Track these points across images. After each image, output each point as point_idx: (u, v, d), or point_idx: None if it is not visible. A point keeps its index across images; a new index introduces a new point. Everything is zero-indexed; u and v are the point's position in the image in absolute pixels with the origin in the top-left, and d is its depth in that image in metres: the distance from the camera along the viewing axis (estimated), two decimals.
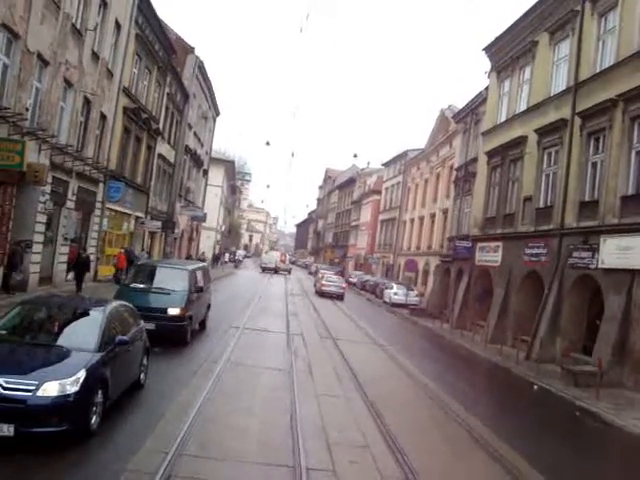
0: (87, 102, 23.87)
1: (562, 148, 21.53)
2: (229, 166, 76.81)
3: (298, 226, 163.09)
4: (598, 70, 19.97)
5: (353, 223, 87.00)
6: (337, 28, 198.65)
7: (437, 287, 36.06)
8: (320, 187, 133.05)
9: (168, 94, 37.39)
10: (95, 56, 23.87)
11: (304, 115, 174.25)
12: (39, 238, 20.65)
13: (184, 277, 16.55)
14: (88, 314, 9.39)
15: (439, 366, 18.61)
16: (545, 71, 23.81)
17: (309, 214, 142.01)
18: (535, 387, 16.61)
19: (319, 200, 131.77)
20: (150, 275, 16.86)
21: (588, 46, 20.68)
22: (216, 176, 66.91)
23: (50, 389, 7.22)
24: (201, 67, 45.64)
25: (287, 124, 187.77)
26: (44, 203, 20.52)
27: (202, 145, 53.92)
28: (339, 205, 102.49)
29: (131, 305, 11.11)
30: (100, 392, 8.05)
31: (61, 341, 8.50)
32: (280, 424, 9.32)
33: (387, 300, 40.29)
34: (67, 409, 7.27)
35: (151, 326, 13.53)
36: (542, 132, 23.01)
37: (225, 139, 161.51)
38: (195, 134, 48.75)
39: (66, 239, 23.59)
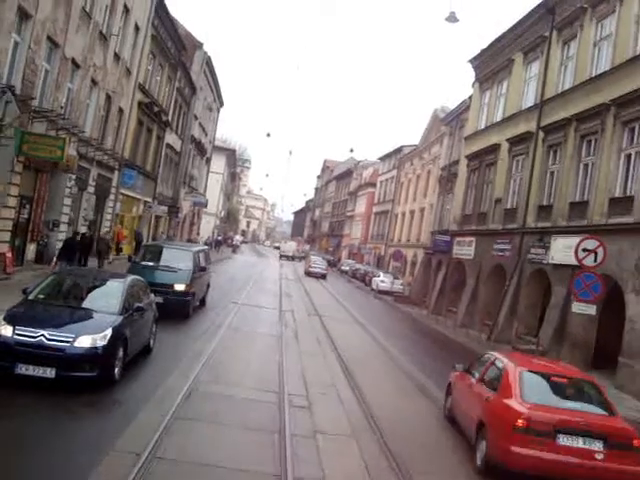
0: (108, 98, 26.70)
1: (527, 157, 24.45)
2: (230, 154, 79.70)
3: (295, 214, 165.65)
4: (559, 91, 22.85)
5: (348, 213, 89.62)
6: (338, 25, 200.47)
7: (420, 277, 39.12)
8: (318, 177, 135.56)
9: (178, 88, 40.19)
10: (117, 57, 26.65)
11: (305, 107, 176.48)
12: (64, 219, 23.57)
13: (189, 257, 18.59)
14: (111, 284, 11.13)
15: (408, 342, 21.62)
16: (518, 87, 26.67)
17: (307, 202, 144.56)
18: None
19: (317, 189, 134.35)
20: (159, 255, 18.87)
21: (553, 69, 23.56)
22: (218, 164, 69.84)
23: (84, 341, 8.86)
24: (208, 62, 48.47)
25: (287, 116, 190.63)
26: (70, 188, 23.42)
27: (206, 134, 56.74)
28: (336, 195, 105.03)
29: (143, 280, 12.77)
30: (122, 348, 9.66)
31: (90, 305, 10.15)
32: (270, 369, 12.31)
33: (374, 287, 43.31)
34: (97, 359, 8.91)
35: (159, 299, 15.40)
36: (513, 141, 25.92)
37: (227, 127, 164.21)
38: (200, 124, 51.60)
39: (86, 220, 26.50)
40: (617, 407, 8.83)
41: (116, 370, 9.44)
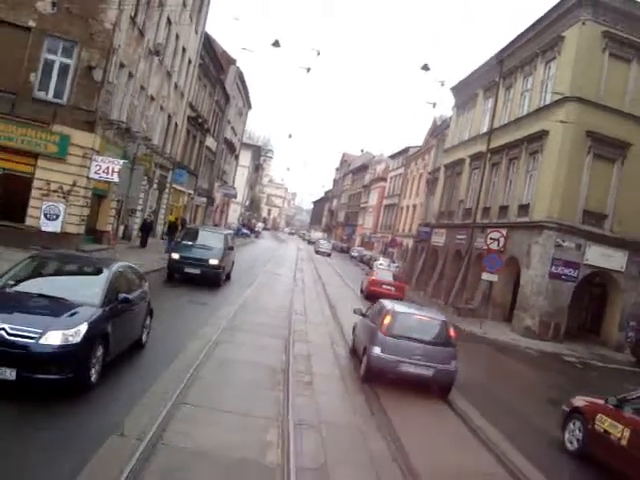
0: (169, 117, 35.47)
1: (480, 170, 32.88)
2: (255, 149, 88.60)
3: (315, 203, 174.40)
4: (501, 124, 31.22)
5: (362, 205, 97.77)
6: (354, 33, 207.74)
7: (409, 260, 47.77)
8: (337, 169, 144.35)
9: (216, 100, 48.98)
10: (175, 86, 35.38)
11: (326, 103, 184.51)
12: (139, 208, 32.47)
13: (221, 238, 23.01)
14: (94, 271, 9.97)
15: None
16: (479, 115, 35.06)
17: (325, 193, 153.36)
18: None
19: (335, 181, 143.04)
20: (197, 235, 23.12)
21: (499, 106, 31.93)
22: (244, 158, 78.71)
23: (53, 338, 7.65)
24: (240, 76, 57.17)
25: (308, 109, 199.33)
26: (143, 186, 32.25)
27: (236, 134, 65.56)
28: (352, 187, 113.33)
29: (137, 268, 11.98)
30: (101, 346, 8.52)
31: (66, 294, 8.80)
32: (285, 302, 21.03)
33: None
34: (68, 359, 7.70)
35: (197, 271, 20.50)
36: (472, 158, 34.36)
37: (252, 121, 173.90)
38: (232, 127, 60.41)
39: (150, 209, 35.43)
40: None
41: (93, 371, 8.34)
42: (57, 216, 21.49)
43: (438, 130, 47.13)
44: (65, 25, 21.27)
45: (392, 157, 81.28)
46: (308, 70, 24.62)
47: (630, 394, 9.25)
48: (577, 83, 24.05)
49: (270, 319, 16.82)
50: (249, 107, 71.74)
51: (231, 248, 24.30)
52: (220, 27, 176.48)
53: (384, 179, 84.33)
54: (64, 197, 21.64)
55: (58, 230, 21.47)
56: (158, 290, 17.36)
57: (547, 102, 25.93)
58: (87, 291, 9.06)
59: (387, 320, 11.86)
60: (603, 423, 8.96)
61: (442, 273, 35.98)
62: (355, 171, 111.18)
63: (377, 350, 11.49)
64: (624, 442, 8.41)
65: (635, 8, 24.26)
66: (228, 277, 24.30)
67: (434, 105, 46.97)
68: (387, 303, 12.95)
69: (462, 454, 8.88)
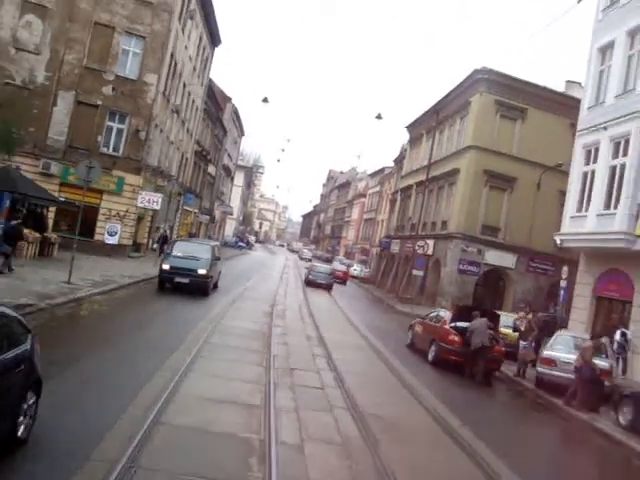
0: (182, 154, 45.43)
1: (422, 194, 42.93)
2: (248, 170, 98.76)
3: (304, 217, 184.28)
4: (437, 159, 41.28)
5: (346, 219, 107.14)
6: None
7: (375, 265, 57.85)
8: (324, 184, 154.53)
9: (216, 135, 59.05)
10: (187, 130, 45.36)
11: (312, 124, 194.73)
12: (163, 225, 42.31)
13: (208, 249, 24.45)
14: None
15: (347, 294, 40.20)
16: (424, 150, 45.19)
17: (314, 207, 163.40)
18: (385, 304, 38.19)
19: (322, 196, 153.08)
20: (186, 247, 24.36)
21: (436, 144, 42.04)
22: (238, 178, 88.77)
23: None
24: (235, 111, 67.30)
25: (295, 131, 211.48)
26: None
27: (231, 160, 75.62)
28: (337, 202, 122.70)
29: (15, 314, 6.96)
30: None
31: None
32: (273, 290, 30.85)
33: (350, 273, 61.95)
34: None
35: (186, 280, 21.58)
36: (417, 184, 44.47)
37: (244, 140, 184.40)
38: (228, 154, 70.46)
39: (170, 226, 45.24)
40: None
41: None
42: (116, 233, 31.38)
43: (399, 159, 57.37)
44: (120, 103, 31.26)
45: (371, 175, 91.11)
46: (288, 141, 34.57)
47: (428, 312, 19.44)
48: (477, 135, 34.22)
49: (263, 295, 26.73)
50: (242, 134, 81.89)
51: (218, 258, 25.45)
52: (216, 68, 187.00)
53: (364, 195, 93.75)
54: (120, 220, 31.54)
55: (116, 243, 31.36)
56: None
57: (460, 147, 36.07)
58: None
59: (312, 267, 39.04)
60: (417, 327, 19.07)
61: (396, 274, 45.98)
62: (340, 187, 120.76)
63: (310, 276, 38.63)
64: (420, 332, 18.54)
65: (517, 83, 34.50)
66: (215, 286, 25.29)
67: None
68: (314, 262, 44.20)
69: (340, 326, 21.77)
